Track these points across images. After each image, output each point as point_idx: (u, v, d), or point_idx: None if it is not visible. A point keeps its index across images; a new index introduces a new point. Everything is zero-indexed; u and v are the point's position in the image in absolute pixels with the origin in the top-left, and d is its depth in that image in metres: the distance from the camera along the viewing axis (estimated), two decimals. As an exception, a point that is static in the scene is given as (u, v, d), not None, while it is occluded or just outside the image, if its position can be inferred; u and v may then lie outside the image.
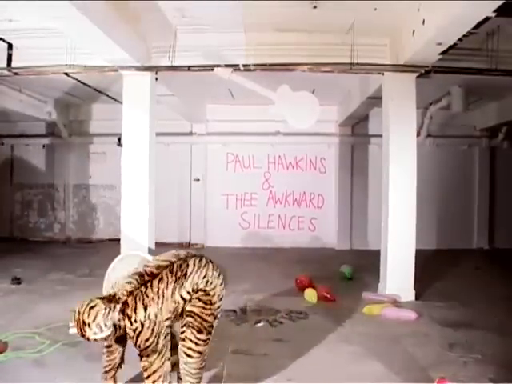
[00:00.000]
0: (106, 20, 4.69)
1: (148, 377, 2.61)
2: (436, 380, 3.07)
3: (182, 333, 2.73)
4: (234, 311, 4.96)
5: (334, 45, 5.72)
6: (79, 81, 7.45)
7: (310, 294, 5.51)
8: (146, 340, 2.50)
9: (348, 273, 6.88)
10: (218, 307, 2.83)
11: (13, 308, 5.04)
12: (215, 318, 2.81)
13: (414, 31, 5.00)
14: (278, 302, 5.43)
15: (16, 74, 6.08)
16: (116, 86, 7.33)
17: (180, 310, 2.71)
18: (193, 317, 2.70)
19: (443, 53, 4.98)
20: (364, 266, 7.39)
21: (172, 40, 5.74)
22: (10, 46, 5.92)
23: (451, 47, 4.81)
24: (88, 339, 2.38)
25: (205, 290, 2.73)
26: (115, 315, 2.38)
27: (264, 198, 10.37)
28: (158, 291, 2.55)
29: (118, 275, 4.52)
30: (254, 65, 5.78)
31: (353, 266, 7.08)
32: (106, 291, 4.43)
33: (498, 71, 5.60)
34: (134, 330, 2.47)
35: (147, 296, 2.51)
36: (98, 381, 3.24)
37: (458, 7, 3.91)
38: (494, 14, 3.90)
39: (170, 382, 2.73)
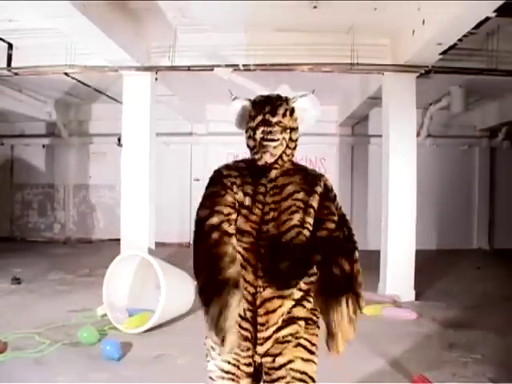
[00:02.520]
0: (106, 20, 4.69)
1: None
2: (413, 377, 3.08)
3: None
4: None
5: (333, 45, 5.72)
6: (79, 81, 7.44)
7: None
8: None
9: None
10: None
11: (13, 308, 5.03)
12: None
13: (413, 31, 5.00)
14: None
15: (16, 74, 6.08)
16: (116, 86, 7.32)
17: None
18: (305, 381, 1.68)
19: (443, 53, 4.98)
20: (364, 266, 7.35)
21: (172, 40, 5.74)
22: (10, 46, 5.93)
23: (451, 47, 4.81)
24: None
25: None
26: None
27: (264, 198, 10.35)
28: None
29: (117, 275, 4.55)
30: (254, 65, 5.78)
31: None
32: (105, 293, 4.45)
33: (498, 71, 5.60)
34: None
35: None
36: (97, 380, 3.25)
37: (458, 7, 3.92)
38: (493, 14, 3.90)
39: None
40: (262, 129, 1.68)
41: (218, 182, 1.71)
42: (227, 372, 1.67)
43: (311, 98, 1.77)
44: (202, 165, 10.31)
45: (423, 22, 4.69)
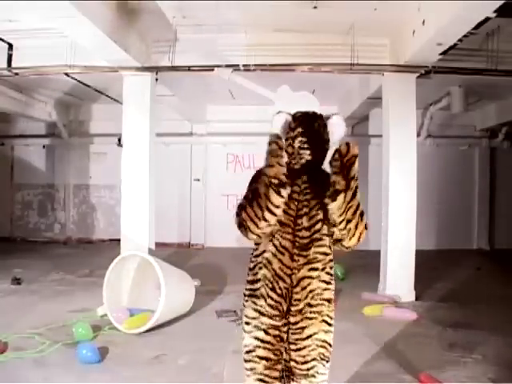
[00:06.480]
0: (106, 20, 4.69)
1: None
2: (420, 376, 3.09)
3: (310, 369, 2.01)
4: (234, 311, 4.96)
5: (333, 45, 5.72)
6: (79, 81, 7.45)
7: None
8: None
9: (340, 273, 6.79)
10: None
11: (13, 308, 5.03)
12: None
13: (414, 31, 5.00)
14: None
15: (16, 74, 6.08)
16: (116, 86, 7.32)
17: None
18: (325, 347, 2.03)
19: (443, 53, 4.98)
20: (364, 266, 7.38)
21: (172, 40, 5.74)
22: (10, 46, 5.93)
23: (451, 47, 4.81)
24: None
25: None
26: None
27: (264, 198, 10.34)
28: None
29: (118, 276, 4.55)
30: (254, 65, 5.78)
31: (344, 266, 6.91)
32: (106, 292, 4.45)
33: (498, 71, 5.60)
34: None
35: None
36: (97, 381, 3.25)
37: (458, 7, 3.92)
38: (494, 15, 3.90)
39: None
40: (299, 139, 2.00)
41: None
42: (262, 340, 2.00)
43: (340, 116, 2.17)
44: (201, 165, 10.32)
45: (423, 22, 4.69)
